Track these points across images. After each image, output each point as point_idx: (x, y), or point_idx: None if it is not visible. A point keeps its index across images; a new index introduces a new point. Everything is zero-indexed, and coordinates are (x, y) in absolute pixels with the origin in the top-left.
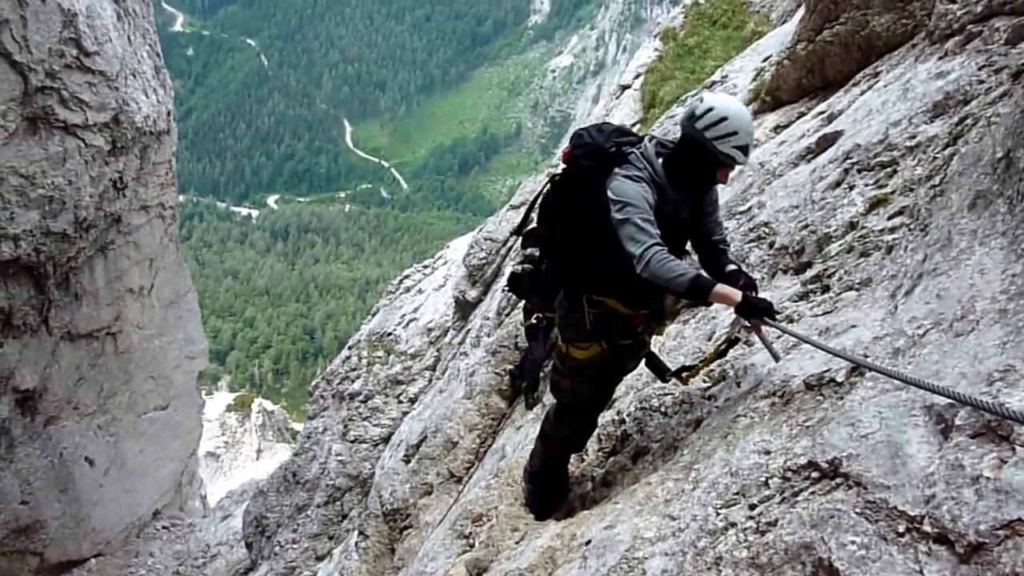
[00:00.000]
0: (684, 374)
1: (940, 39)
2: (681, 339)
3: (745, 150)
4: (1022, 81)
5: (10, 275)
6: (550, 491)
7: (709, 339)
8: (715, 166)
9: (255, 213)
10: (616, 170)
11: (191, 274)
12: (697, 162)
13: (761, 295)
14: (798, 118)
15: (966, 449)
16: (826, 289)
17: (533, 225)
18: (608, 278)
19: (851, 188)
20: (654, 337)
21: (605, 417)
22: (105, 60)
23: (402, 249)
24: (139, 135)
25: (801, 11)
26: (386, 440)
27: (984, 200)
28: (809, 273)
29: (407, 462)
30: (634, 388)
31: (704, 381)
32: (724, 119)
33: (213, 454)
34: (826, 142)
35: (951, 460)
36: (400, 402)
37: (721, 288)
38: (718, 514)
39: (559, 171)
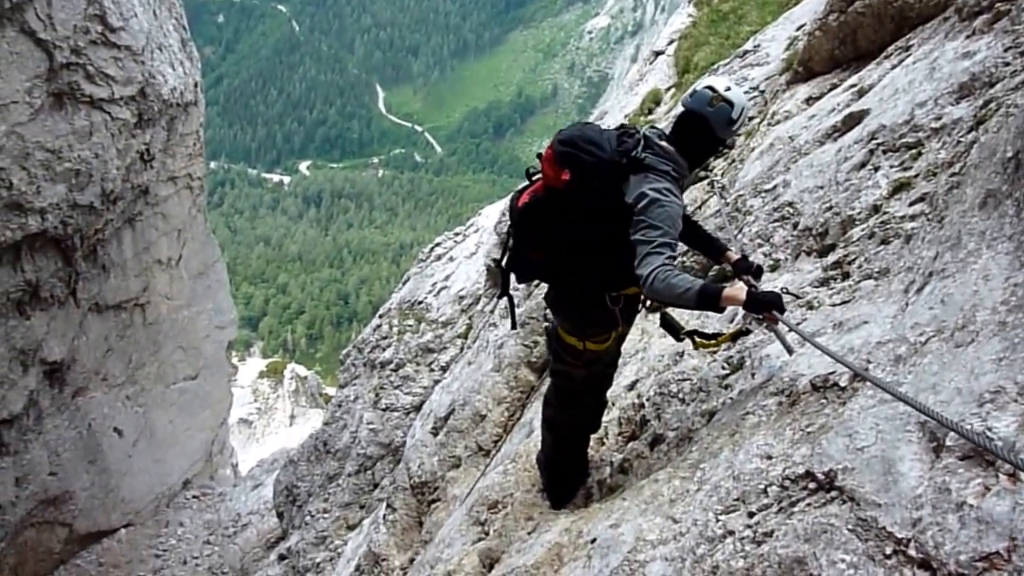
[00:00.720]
0: (697, 338)
1: (969, 16)
2: (705, 317)
3: (739, 124)
4: None
5: (37, 248)
6: (565, 478)
7: (731, 321)
8: (718, 146)
9: (287, 179)
10: (632, 180)
11: (223, 241)
12: (705, 134)
13: (783, 278)
14: (830, 90)
15: (954, 472)
16: (846, 276)
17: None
18: (626, 271)
19: (876, 169)
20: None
21: (626, 400)
22: (131, 35)
23: (436, 213)
24: (166, 107)
25: None
26: (417, 408)
27: (994, 200)
28: (831, 258)
29: (435, 434)
30: (655, 370)
31: (723, 368)
32: (730, 100)
33: (246, 420)
34: (852, 121)
35: (939, 483)
36: (431, 370)
37: (728, 291)
38: (718, 520)
39: (543, 191)
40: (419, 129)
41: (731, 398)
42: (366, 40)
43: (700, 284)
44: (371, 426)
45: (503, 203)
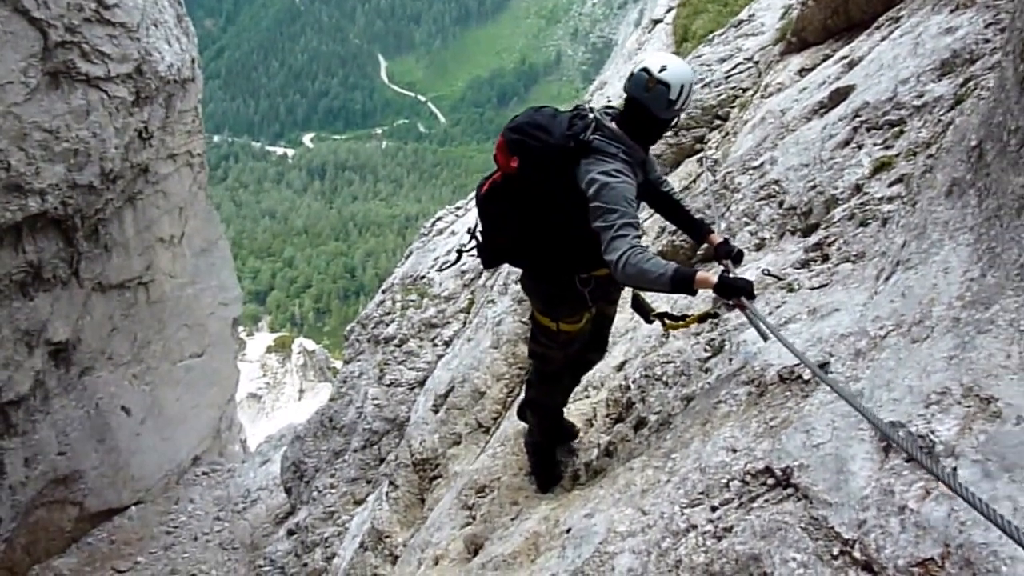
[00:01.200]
0: (667, 321)
1: None
2: (684, 299)
3: (684, 97)
4: (1000, 67)
5: (38, 229)
6: (550, 460)
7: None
8: (664, 127)
9: (291, 152)
10: (583, 164)
11: (228, 215)
12: (645, 114)
13: (767, 258)
14: (823, 60)
15: (899, 474)
16: (826, 258)
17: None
18: (594, 252)
19: (859, 148)
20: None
21: (614, 381)
22: (125, 12)
23: (441, 184)
24: (163, 84)
25: None
26: (421, 383)
27: (959, 188)
28: (813, 239)
29: (436, 411)
30: (642, 351)
31: (705, 351)
32: (666, 79)
33: (255, 395)
34: (839, 96)
35: (884, 484)
36: (435, 345)
37: (700, 275)
38: (682, 513)
39: (500, 179)
40: (422, 99)
41: (709, 383)
42: (367, 9)
43: (673, 268)
44: (376, 401)
45: None
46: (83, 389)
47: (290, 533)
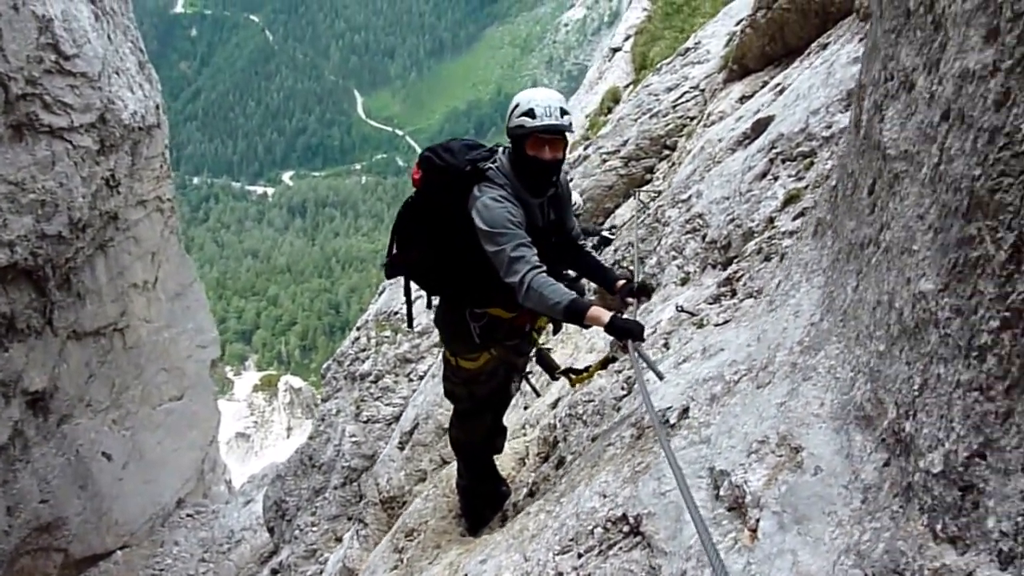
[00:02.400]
0: (572, 376)
1: (864, 17)
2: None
3: (531, 113)
4: (852, 111)
5: (9, 280)
6: (478, 502)
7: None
8: (523, 147)
9: (271, 191)
10: (475, 190)
11: (211, 256)
12: (516, 153)
13: (687, 292)
14: (762, 87)
15: (719, 523)
16: (733, 294)
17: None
18: (487, 289)
19: (775, 179)
20: (559, 333)
21: (546, 419)
22: (85, 61)
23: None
24: (128, 132)
25: None
26: (398, 419)
27: (822, 228)
28: (725, 274)
29: (402, 449)
30: (570, 392)
31: (622, 389)
32: (516, 105)
33: (243, 435)
34: (760, 127)
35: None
36: (411, 380)
37: (593, 311)
38: (554, 561)
39: (413, 196)
40: (400, 133)
41: (612, 423)
42: (341, 45)
43: (570, 299)
44: (354, 439)
45: None
46: (63, 437)
47: (274, 572)
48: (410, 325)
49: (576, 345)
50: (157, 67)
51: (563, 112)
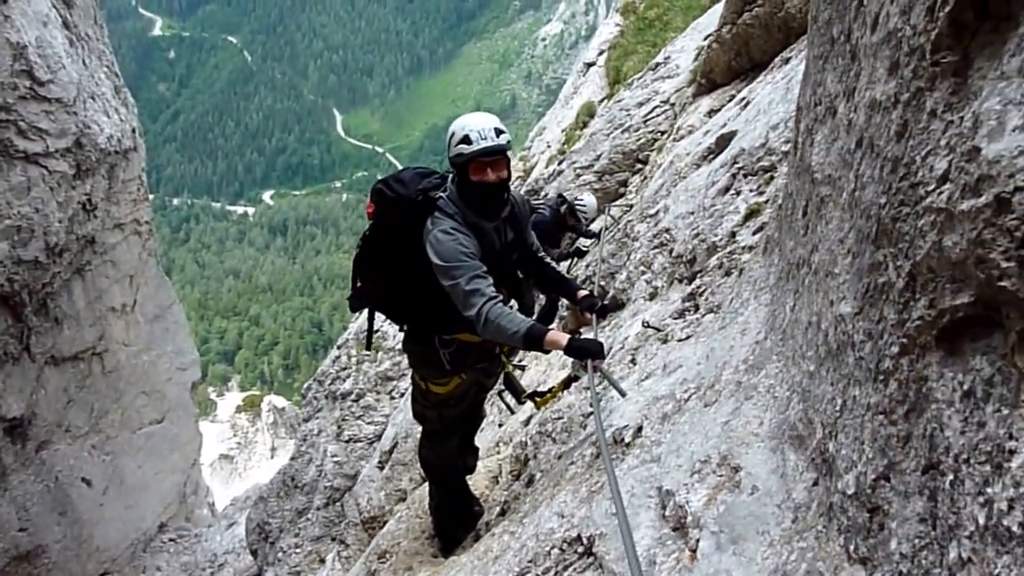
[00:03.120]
0: (537, 399)
1: None
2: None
3: (467, 139)
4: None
5: None
6: (450, 522)
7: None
8: (466, 174)
9: (251, 210)
10: (428, 222)
11: (192, 277)
12: (461, 181)
13: (654, 308)
14: (729, 100)
15: (664, 543)
16: (696, 308)
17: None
18: (454, 316)
19: (737, 194)
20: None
21: (518, 437)
22: (60, 87)
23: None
24: (104, 156)
25: None
26: (380, 438)
27: (771, 246)
28: (690, 288)
29: (381, 468)
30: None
31: (590, 406)
32: (452, 134)
33: (227, 456)
34: (724, 142)
35: (652, 554)
36: (392, 398)
37: (551, 336)
38: None
39: (368, 229)
40: (380, 150)
41: (577, 440)
42: (319, 64)
43: (527, 326)
44: (336, 458)
45: None
46: (41, 463)
47: None
48: (368, 348)
49: (548, 362)
50: (136, 89)
51: (498, 132)
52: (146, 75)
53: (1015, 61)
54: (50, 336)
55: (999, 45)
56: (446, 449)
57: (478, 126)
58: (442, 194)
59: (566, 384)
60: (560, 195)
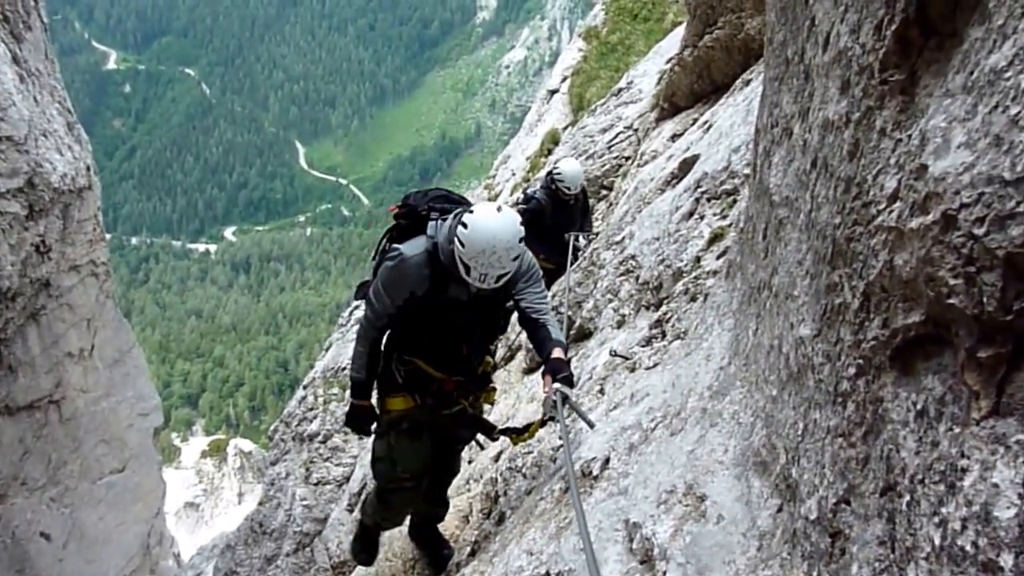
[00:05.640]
0: (513, 436)
1: None
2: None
3: (467, 269)
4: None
5: None
6: (363, 541)
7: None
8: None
9: (213, 248)
10: (403, 247)
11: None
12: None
13: (621, 336)
14: (692, 124)
15: None
16: (664, 335)
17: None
18: (410, 340)
19: (701, 218)
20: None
21: (488, 473)
22: (11, 125)
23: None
24: (58, 195)
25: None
26: (348, 479)
27: (733, 270)
28: (656, 315)
29: (351, 511)
30: (510, 444)
31: (560, 440)
32: (463, 238)
33: (192, 504)
34: (687, 167)
35: None
36: (360, 439)
37: (356, 403)
38: None
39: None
40: (344, 182)
41: (547, 476)
42: (280, 96)
43: (363, 379)
44: (304, 502)
45: None
46: None
47: None
48: None
49: (517, 395)
50: (90, 125)
51: (500, 276)
52: (101, 110)
53: (959, 78)
54: (4, 385)
55: (944, 62)
56: (382, 513)
57: (485, 266)
58: (440, 219)
59: (543, 424)
60: (549, 172)
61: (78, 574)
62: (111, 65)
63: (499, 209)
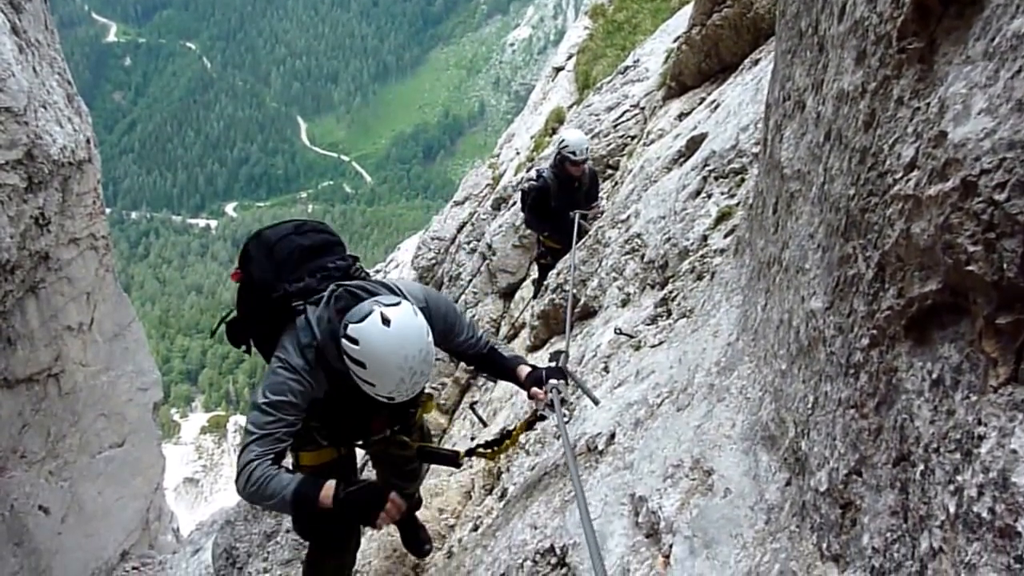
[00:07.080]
0: (488, 450)
1: None
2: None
3: (372, 384)
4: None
5: None
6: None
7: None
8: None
9: (214, 223)
10: (284, 336)
11: (152, 293)
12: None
13: (626, 315)
14: (700, 103)
15: (638, 550)
16: (669, 314)
17: None
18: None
19: (708, 197)
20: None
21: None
22: (10, 96)
23: (372, 245)
24: (57, 167)
25: None
26: None
27: (742, 247)
28: (662, 293)
29: None
30: (517, 418)
31: (564, 415)
32: (366, 367)
33: (192, 480)
34: (694, 145)
35: (625, 562)
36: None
37: (326, 490)
38: None
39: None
40: (346, 159)
41: (551, 452)
42: (282, 71)
43: (293, 487)
44: None
45: (422, 235)
46: None
47: None
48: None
49: (500, 401)
50: (90, 99)
51: (413, 396)
52: (101, 83)
53: (980, 45)
54: (3, 358)
55: (964, 30)
56: (319, 569)
57: (396, 387)
58: (308, 307)
59: (529, 425)
60: (559, 151)
61: (77, 548)
62: (111, 38)
63: (390, 307)
